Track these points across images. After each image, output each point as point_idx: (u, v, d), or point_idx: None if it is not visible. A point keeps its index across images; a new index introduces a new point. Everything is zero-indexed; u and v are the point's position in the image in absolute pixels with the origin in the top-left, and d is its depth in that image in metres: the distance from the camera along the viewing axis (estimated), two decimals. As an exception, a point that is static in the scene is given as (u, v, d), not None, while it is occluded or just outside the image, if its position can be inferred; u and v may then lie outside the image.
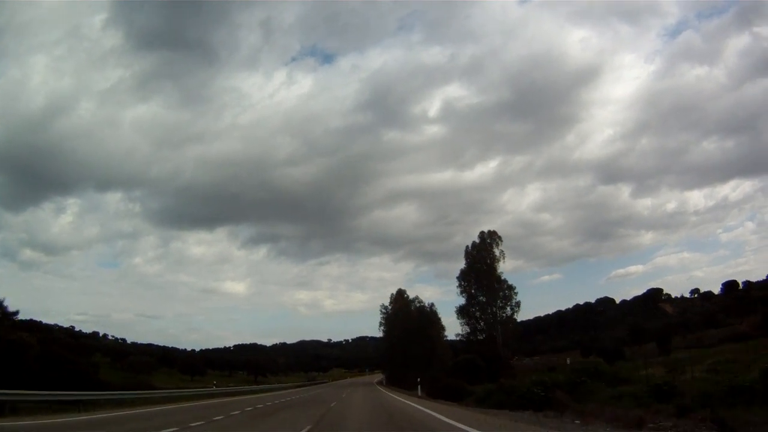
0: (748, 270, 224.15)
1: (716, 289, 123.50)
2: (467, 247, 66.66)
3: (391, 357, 73.84)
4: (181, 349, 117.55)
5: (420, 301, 75.93)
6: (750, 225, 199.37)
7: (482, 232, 66.89)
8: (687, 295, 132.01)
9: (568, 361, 48.72)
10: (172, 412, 19.67)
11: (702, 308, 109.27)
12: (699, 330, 78.92)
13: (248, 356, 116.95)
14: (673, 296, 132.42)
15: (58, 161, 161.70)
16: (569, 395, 19.28)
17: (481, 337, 62.73)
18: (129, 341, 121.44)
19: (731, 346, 52.04)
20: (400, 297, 77.83)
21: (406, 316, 71.57)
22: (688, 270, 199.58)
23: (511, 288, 63.54)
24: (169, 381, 65.66)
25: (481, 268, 64.15)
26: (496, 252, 64.93)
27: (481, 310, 63.63)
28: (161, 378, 68.71)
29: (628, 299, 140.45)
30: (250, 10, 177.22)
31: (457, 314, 65.04)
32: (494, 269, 64.15)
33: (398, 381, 62.32)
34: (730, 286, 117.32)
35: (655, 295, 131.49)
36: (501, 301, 62.82)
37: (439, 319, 71.42)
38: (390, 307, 77.96)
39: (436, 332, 69.40)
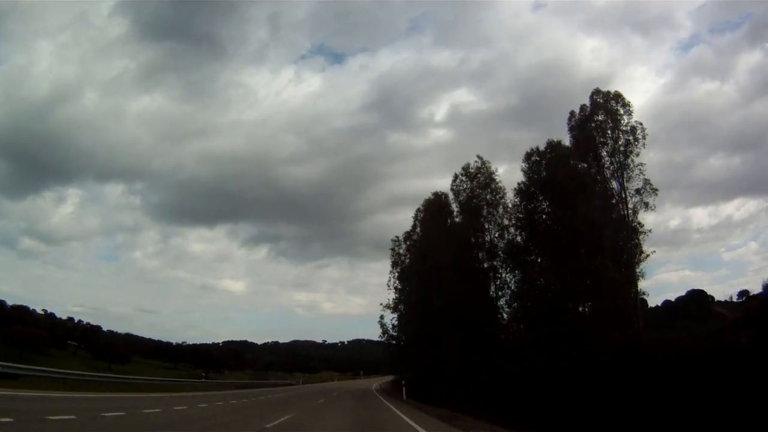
0: (749, 290, 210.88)
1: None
2: (572, 112, 27.93)
3: (426, 330, 34.32)
4: (165, 342, 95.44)
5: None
6: (753, 245, 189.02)
7: (596, 90, 27.56)
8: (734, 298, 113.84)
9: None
10: None
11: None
12: None
13: (195, 348, 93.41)
14: (716, 299, 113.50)
15: (59, 150, 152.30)
16: None
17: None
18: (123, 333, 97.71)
19: None
20: (440, 200, 36.95)
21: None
22: (689, 288, 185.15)
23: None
24: (62, 364, 40.63)
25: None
26: (626, 123, 26.51)
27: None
28: (61, 360, 46.85)
29: (672, 300, 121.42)
30: (259, 5, 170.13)
31: None
32: (626, 165, 26.21)
33: (438, 394, 28.10)
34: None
35: (699, 298, 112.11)
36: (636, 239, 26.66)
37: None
38: (418, 231, 40.69)
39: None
